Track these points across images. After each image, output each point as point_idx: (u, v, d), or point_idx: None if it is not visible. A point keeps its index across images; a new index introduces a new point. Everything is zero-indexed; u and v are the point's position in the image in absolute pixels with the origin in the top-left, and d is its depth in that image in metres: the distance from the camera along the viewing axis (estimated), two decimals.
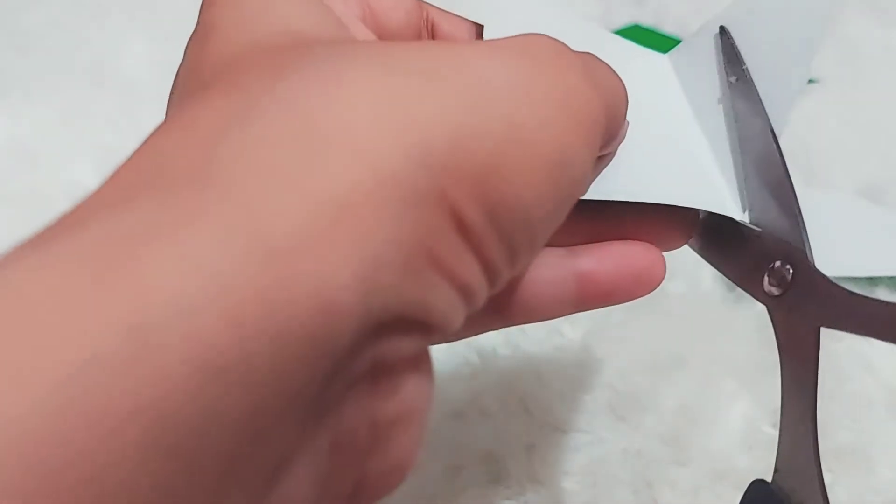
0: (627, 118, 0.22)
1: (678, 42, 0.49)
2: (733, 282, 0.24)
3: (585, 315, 0.36)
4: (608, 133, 0.20)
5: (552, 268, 0.22)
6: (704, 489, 0.31)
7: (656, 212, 0.22)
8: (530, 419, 0.33)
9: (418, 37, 0.23)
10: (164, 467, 0.12)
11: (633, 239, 0.22)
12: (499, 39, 0.18)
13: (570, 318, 0.36)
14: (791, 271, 0.22)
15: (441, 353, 0.35)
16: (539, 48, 0.18)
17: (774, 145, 0.23)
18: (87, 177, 0.41)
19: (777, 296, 0.23)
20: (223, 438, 0.12)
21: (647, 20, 0.48)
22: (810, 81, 0.45)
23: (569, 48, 0.19)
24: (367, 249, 0.14)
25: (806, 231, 0.23)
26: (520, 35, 0.19)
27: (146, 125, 0.50)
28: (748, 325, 0.36)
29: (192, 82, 0.18)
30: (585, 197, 0.21)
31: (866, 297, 0.21)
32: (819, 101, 0.45)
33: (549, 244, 0.21)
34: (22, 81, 0.45)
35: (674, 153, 0.25)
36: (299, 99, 0.15)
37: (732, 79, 0.24)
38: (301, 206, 0.14)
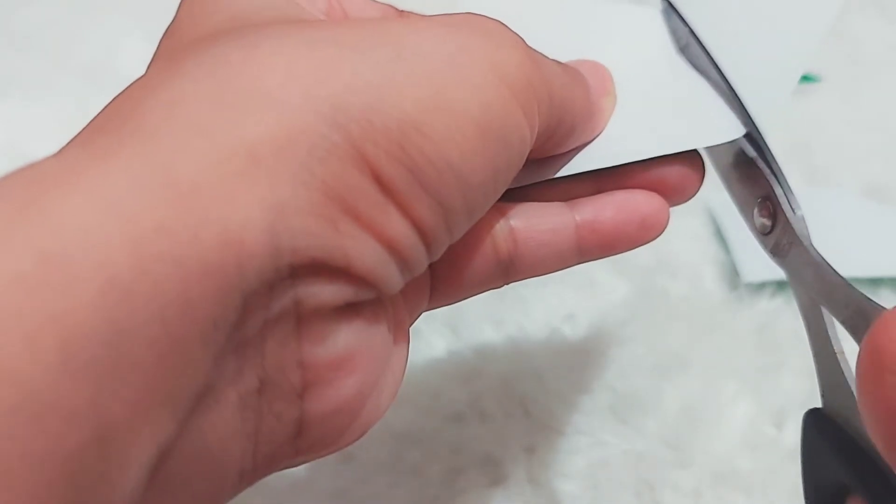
0: (621, 81, 0.23)
1: None
2: (739, 211, 0.25)
3: (586, 316, 0.36)
4: (560, 109, 0.21)
5: (550, 219, 0.22)
6: (706, 491, 0.31)
7: (658, 163, 0.23)
8: (530, 421, 0.33)
9: None
10: (87, 379, 0.13)
11: (640, 188, 0.23)
12: (436, 16, 0.19)
13: (571, 319, 0.36)
14: (772, 207, 0.23)
15: (441, 355, 0.34)
16: (474, 22, 0.19)
17: (738, 100, 0.23)
18: None
19: (769, 230, 0.23)
20: (139, 356, 0.14)
21: None
22: (813, 80, 0.45)
23: (509, 28, 0.20)
24: (274, 193, 0.15)
25: (783, 176, 0.24)
26: (458, 13, 0.19)
27: None
28: (749, 326, 0.35)
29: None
30: (587, 168, 0.22)
31: (829, 267, 0.23)
32: (823, 100, 0.44)
33: (552, 200, 0.23)
34: (18, 82, 0.45)
35: (669, 98, 0.24)
36: (220, 63, 0.16)
37: (682, 43, 0.25)
38: (210, 152, 0.15)
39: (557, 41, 0.24)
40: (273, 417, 0.18)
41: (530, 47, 0.20)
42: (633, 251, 0.38)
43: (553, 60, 0.21)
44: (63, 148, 0.16)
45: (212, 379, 0.16)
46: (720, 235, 0.39)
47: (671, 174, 0.23)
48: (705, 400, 0.33)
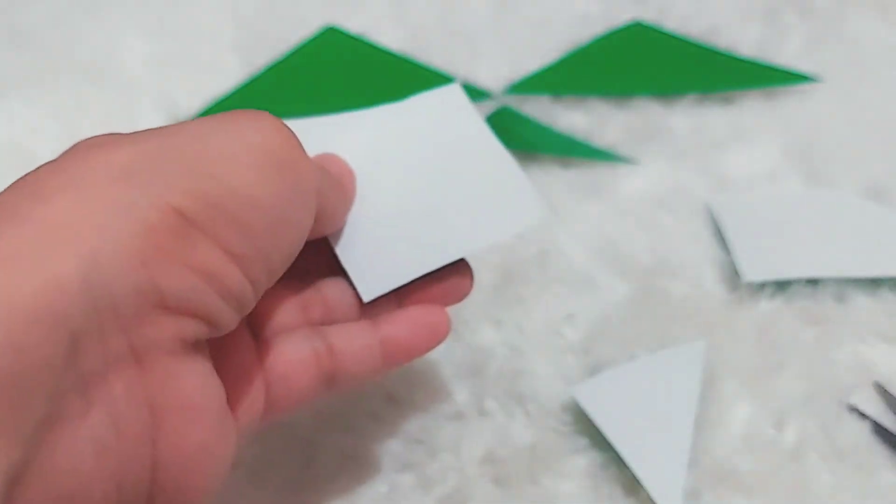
0: (433, 175, 0.29)
1: (680, 40, 0.48)
2: None
3: (585, 317, 0.36)
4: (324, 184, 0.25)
5: (361, 337, 0.27)
6: (706, 491, 0.31)
7: (435, 278, 0.28)
8: (530, 421, 0.33)
9: None
10: None
11: (427, 301, 0.28)
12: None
13: (570, 319, 0.36)
14: None
15: (442, 355, 0.34)
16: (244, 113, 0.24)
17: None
18: None
19: None
20: None
21: (649, 18, 0.48)
22: (813, 81, 0.45)
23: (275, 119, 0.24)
24: (86, 245, 0.19)
25: None
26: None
27: (143, 123, 0.50)
28: (750, 326, 0.35)
29: None
30: (399, 284, 0.27)
31: None
32: (822, 100, 0.44)
33: (362, 318, 0.28)
34: (19, 80, 0.45)
35: (476, 188, 0.29)
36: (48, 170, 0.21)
37: None
38: (30, 226, 0.19)
39: (381, 149, 0.29)
40: (129, 459, 0.20)
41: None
42: (632, 251, 0.38)
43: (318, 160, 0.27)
44: None
45: (54, 412, 0.19)
46: (720, 236, 0.39)
47: (448, 286, 0.28)
48: (705, 400, 0.33)
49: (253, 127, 0.23)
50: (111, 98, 0.45)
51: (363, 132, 0.30)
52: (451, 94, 0.31)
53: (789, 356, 0.34)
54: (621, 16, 0.48)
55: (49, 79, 0.45)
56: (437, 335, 0.28)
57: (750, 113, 0.44)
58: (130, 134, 0.22)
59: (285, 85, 0.45)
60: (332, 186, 0.27)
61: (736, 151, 0.42)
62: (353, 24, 0.48)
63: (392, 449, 0.32)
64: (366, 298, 0.28)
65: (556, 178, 0.41)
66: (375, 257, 0.28)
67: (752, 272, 0.36)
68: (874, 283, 0.37)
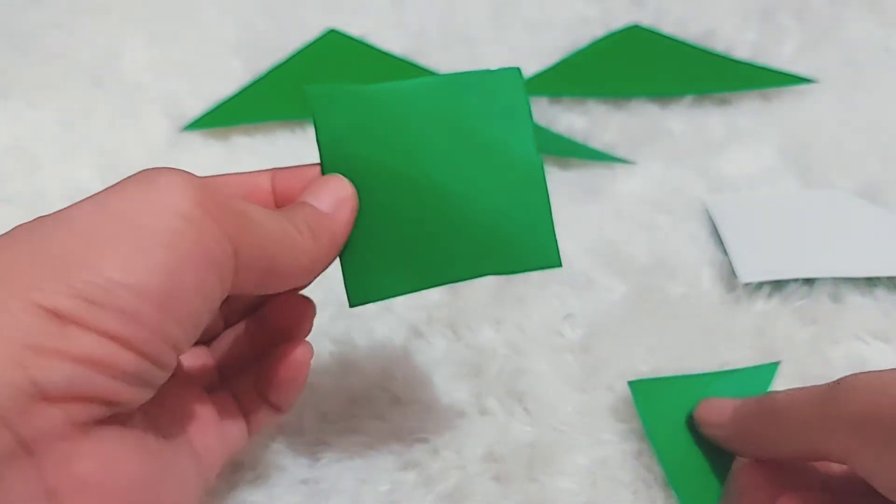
0: None
1: (677, 42, 0.49)
2: None
3: (585, 316, 0.36)
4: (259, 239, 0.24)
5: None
6: None
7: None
8: (531, 419, 0.33)
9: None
10: None
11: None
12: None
13: (570, 319, 0.36)
14: None
15: (443, 355, 0.35)
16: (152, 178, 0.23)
17: None
18: (87, 178, 0.41)
19: None
20: None
21: (647, 21, 0.48)
22: (809, 81, 0.45)
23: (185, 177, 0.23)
24: None
25: None
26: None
27: (146, 126, 0.50)
28: (747, 326, 0.36)
29: None
30: None
31: None
32: (818, 101, 0.45)
33: None
34: (23, 83, 0.46)
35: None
36: None
37: None
38: None
39: None
40: None
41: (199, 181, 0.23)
42: (631, 252, 0.38)
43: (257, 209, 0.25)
44: None
45: None
46: (717, 236, 0.39)
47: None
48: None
49: (146, 197, 0.22)
50: (115, 101, 0.45)
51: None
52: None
53: (786, 355, 0.35)
54: (619, 19, 0.49)
55: (53, 82, 0.46)
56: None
57: (746, 114, 0.44)
58: (23, 229, 0.22)
59: (287, 88, 0.45)
60: (293, 244, 0.25)
61: (732, 152, 0.42)
62: (355, 27, 0.48)
63: (394, 448, 0.32)
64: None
65: (555, 179, 0.41)
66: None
67: (749, 273, 0.37)
68: (869, 283, 0.37)
